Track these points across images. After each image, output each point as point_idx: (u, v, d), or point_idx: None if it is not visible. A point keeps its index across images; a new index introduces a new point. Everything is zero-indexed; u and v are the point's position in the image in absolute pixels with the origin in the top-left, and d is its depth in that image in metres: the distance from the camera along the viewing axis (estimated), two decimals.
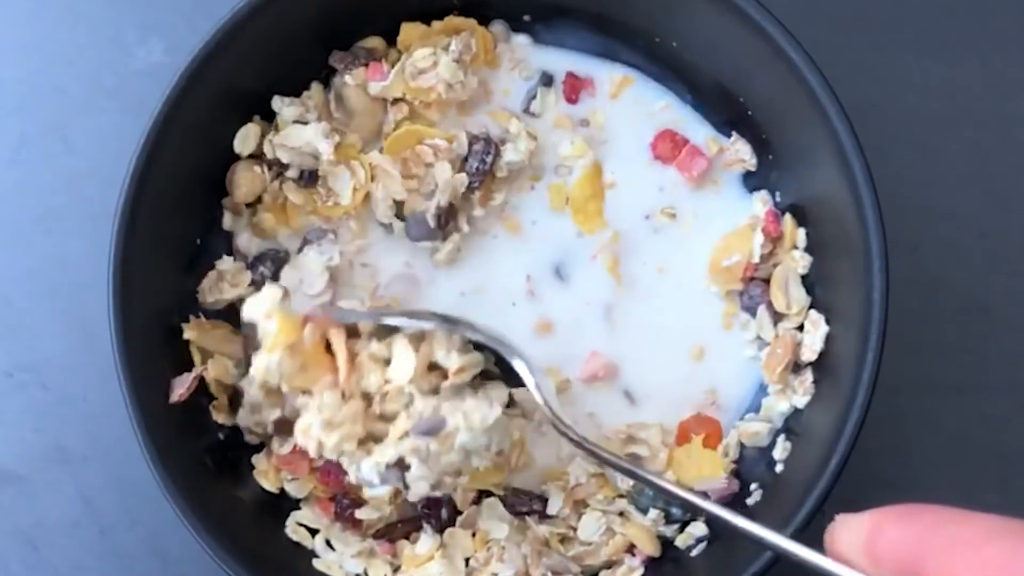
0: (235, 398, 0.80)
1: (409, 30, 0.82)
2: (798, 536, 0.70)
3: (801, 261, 0.80)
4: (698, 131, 0.84)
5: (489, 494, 0.82)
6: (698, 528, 0.80)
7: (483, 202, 0.83)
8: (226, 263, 0.82)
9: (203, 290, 0.81)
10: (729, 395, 0.83)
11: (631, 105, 0.84)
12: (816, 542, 0.61)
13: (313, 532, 0.82)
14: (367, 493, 0.79)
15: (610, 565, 0.80)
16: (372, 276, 0.84)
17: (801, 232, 0.80)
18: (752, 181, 0.83)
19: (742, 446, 0.82)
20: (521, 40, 0.84)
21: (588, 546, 0.80)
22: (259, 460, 0.82)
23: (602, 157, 0.84)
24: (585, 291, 0.83)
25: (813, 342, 0.78)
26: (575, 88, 0.84)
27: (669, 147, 0.83)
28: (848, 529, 0.53)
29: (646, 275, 0.83)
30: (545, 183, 0.84)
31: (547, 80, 0.84)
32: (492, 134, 0.83)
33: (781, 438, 0.80)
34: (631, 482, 0.81)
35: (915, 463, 0.86)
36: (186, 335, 0.79)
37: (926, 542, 0.49)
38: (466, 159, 0.82)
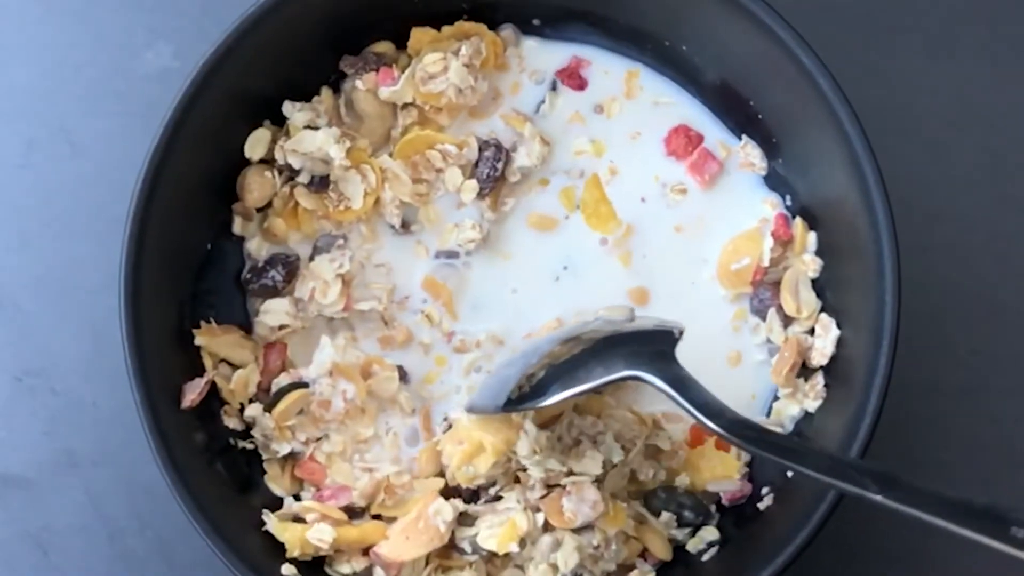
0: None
1: (419, 35, 0.82)
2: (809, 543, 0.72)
3: (812, 264, 0.80)
4: (709, 133, 0.84)
5: None
6: (710, 533, 0.80)
7: (493, 207, 0.83)
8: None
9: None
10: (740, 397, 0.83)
11: (644, 103, 0.84)
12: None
13: None
14: None
15: (623, 569, 0.80)
16: (387, 275, 0.84)
17: (812, 235, 0.80)
18: (762, 184, 0.83)
19: None
20: (531, 44, 0.85)
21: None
22: (270, 465, 0.82)
23: (616, 153, 0.84)
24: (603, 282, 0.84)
25: (824, 346, 0.78)
26: (573, 74, 0.84)
27: (683, 143, 0.83)
28: None
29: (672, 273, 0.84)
30: (556, 185, 0.84)
31: (554, 84, 0.84)
32: (504, 138, 0.83)
33: None
34: (651, 474, 0.81)
35: (925, 465, 0.86)
36: (197, 341, 0.80)
37: None
38: (476, 165, 0.82)
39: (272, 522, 0.78)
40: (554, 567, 0.77)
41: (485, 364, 0.83)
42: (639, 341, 0.74)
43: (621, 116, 0.84)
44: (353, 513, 0.81)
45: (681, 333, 0.74)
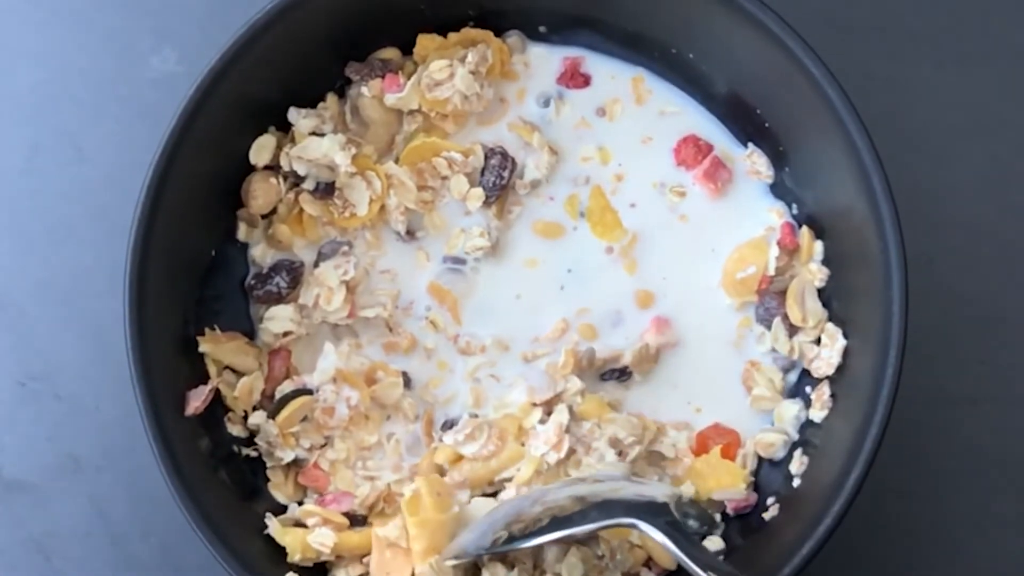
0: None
1: (425, 41, 0.82)
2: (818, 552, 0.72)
3: (818, 274, 0.80)
4: (716, 142, 0.83)
5: None
6: (714, 543, 0.80)
7: (499, 215, 0.83)
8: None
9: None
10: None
11: (651, 110, 0.84)
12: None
13: None
14: None
15: None
16: (392, 281, 0.84)
17: (818, 244, 0.80)
18: (769, 192, 0.83)
19: (759, 459, 0.82)
20: (537, 51, 0.84)
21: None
22: (274, 472, 0.82)
23: (623, 159, 0.84)
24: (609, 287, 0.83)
25: (830, 356, 0.78)
26: (574, 74, 0.84)
27: (693, 152, 0.83)
28: None
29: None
30: (562, 193, 0.84)
31: (560, 93, 0.84)
32: (510, 146, 0.83)
33: (798, 452, 0.80)
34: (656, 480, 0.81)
35: (931, 474, 0.86)
36: (201, 348, 0.79)
37: None
38: (482, 172, 0.82)
39: (274, 526, 0.78)
40: None
41: (488, 370, 0.83)
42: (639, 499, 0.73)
43: (626, 120, 0.84)
44: (355, 520, 0.80)
45: (682, 497, 0.74)
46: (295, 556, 0.78)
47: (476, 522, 0.77)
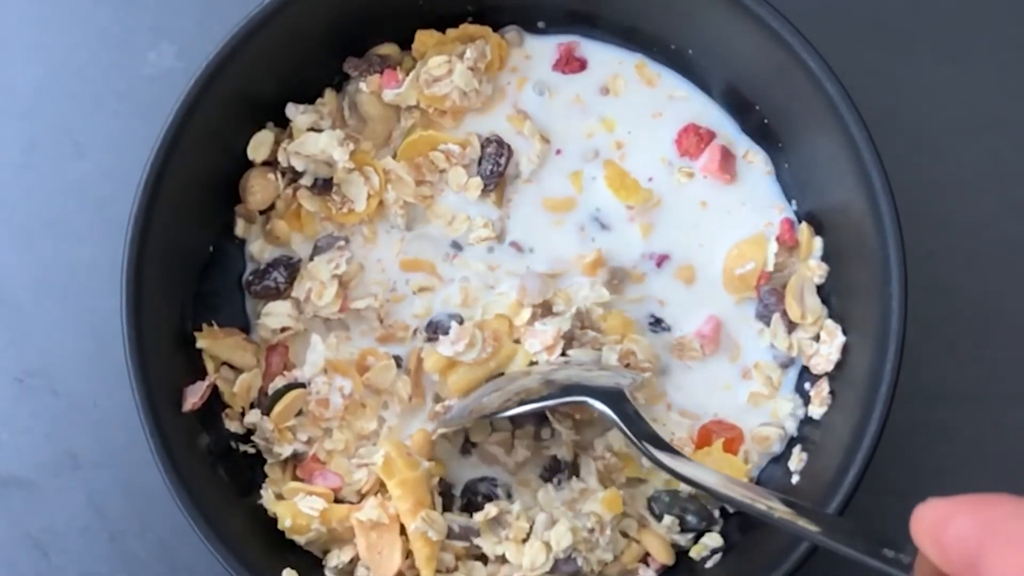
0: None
1: (423, 37, 0.82)
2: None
3: (817, 270, 0.80)
4: (719, 132, 0.83)
5: None
6: (713, 539, 0.80)
7: (498, 203, 0.83)
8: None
9: None
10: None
11: (661, 94, 0.84)
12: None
13: None
14: None
15: (625, 575, 0.80)
16: (383, 272, 0.83)
17: (818, 241, 0.80)
18: (768, 188, 0.83)
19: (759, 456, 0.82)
20: (535, 45, 0.84)
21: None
22: (272, 469, 0.82)
23: (627, 150, 0.83)
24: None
25: (829, 352, 0.78)
26: (569, 60, 0.84)
27: (694, 141, 0.83)
28: (928, 513, 0.52)
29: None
30: (567, 168, 0.83)
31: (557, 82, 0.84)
32: (505, 134, 0.83)
33: (797, 448, 0.79)
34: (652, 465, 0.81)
35: (930, 472, 0.86)
36: (199, 343, 0.79)
37: (990, 533, 0.48)
38: (480, 162, 0.82)
39: (267, 495, 0.79)
40: (547, 545, 0.77)
41: (485, 279, 0.83)
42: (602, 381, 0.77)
43: (631, 96, 0.83)
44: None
45: (636, 380, 0.79)
46: (285, 522, 0.78)
47: (457, 404, 0.80)
